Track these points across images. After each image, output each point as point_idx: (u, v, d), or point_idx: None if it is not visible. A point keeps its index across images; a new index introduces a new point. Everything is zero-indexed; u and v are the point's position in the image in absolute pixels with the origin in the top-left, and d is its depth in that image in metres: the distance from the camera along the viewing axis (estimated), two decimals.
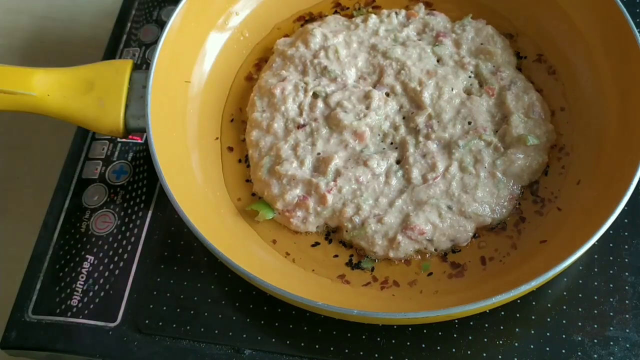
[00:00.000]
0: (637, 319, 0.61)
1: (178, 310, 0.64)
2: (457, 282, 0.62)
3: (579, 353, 0.60)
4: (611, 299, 0.62)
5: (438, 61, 0.72)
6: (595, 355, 0.60)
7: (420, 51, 0.72)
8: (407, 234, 0.63)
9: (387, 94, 0.70)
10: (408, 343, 0.61)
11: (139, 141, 0.75)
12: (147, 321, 0.64)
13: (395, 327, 0.62)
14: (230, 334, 0.63)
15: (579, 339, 0.61)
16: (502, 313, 0.62)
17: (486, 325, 0.62)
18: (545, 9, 0.73)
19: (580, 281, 0.63)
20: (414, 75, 0.70)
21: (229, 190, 0.69)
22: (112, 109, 0.67)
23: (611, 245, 0.65)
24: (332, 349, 0.62)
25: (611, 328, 0.61)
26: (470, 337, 0.61)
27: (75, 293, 0.66)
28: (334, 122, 0.68)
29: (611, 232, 0.65)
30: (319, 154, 0.67)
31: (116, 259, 0.68)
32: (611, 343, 0.60)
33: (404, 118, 0.69)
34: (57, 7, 0.97)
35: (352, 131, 0.67)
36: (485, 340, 0.61)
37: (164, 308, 0.65)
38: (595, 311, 0.62)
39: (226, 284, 0.65)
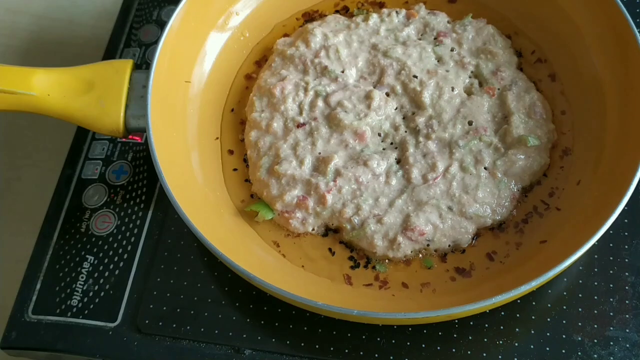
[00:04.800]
0: (637, 319, 0.61)
1: (178, 310, 0.64)
2: (457, 283, 0.62)
3: (579, 353, 0.60)
4: (611, 299, 0.62)
5: (438, 61, 0.72)
6: (595, 355, 0.60)
7: (421, 51, 0.72)
8: (407, 234, 0.63)
9: (387, 94, 0.70)
10: (408, 343, 0.61)
11: (139, 141, 0.75)
12: (147, 321, 0.64)
13: (395, 327, 0.62)
14: (230, 334, 0.63)
15: (579, 339, 0.61)
16: (502, 313, 0.62)
17: (486, 325, 0.62)
18: (546, 9, 0.73)
19: (580, 281, 0.63)
20: (415, 75, 0.70)
21: (229, 190, 0.69)
22: (112, 109, 0.67)
23: (611, 245, 0.65)
24: (332, 349, 0.62)
25: (611, 328, 0.61)
26: (470, 337, 0.61)
27: (75, 293, 0.66)
28: (334, 121, 0.68)
29: (611, 232, 0.65)
30: (319, 153, 0.67)
31: (116, 259, 0.68)
32: (611, 343, 0.60)
33: (404, 118, 0.69)
34: (57, 7, 0.97)
35: (353, 131, 0.67)
36: (485, 340, 0.61)
37: (164, 308, 0.65)
38: (595, 311, 0.62)
39: (226, 284, 0.65)
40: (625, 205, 0.57)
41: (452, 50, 0.72)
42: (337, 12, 0.80)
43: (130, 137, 0.74)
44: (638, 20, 0.76)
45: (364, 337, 0.62)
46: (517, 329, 0.62)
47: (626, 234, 0.65)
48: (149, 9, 0.85)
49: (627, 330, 0.61)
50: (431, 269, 0.63)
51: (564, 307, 0.62)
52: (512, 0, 0.76)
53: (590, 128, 0.67)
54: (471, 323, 0.62)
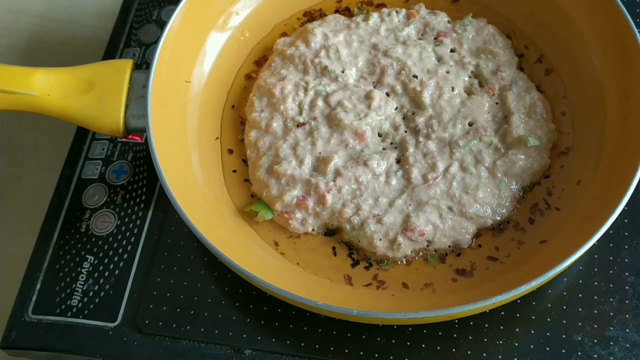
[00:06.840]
0: (637, 319, 0.61)
1: (178, 310, 0.64)
2: (457, 283, 0.62)
3: (579, 353, 0.60)
4: (611, 299, 0.62)
5: (438, 61, 0.72)
6: (595, 355, 0.60)
7: (421, 50, 0.72)
8: (407, 235, 0.63)
9: (388, 94, 0.70)
10: (408, 343, 0.62)
11: (139, 141, 0.75)
12: (147, 321, 0.64)
13: (395, 327, 0.62)
14: (230, 334, 0.63)
15: (579, 339, 0.61)
16: (502, 313, 0.62)
17: (486, 325, 0.62)
18: (546, 9, 0.73)
19: (580, 281, 0.63)
20: (415, 74, 0.70)
21: (229, 190, 0.69)
22: (112, 109, 0.67)
23: (611, 245, 0.65)
24: (332, 349, 0.62)
25: (611, 328, 0.61)
26: (470, 337, 0.61)
27: (75, 293, 0.66)
28: (334, 121, 0.68)
29: (611, 232, 0.65)
30: (319, 153, 0.67)
31: (116, 259, 0.68)
32: (611, 343, 0.60)
33: (404, 118, 0.69)
34: (57, 7, 0.97)
35: (353, 131, 0.67)
36: (485, 340, 0.61)
37: (164, 308, 0.65)
38: (595, 311, 0.62)
39: (226, 284, 0.65)
40: (625, 205, 0.57)
41: (452, 50, 0.72)
42: (337, 12, 0.80)
43: (130, 137, 0.74)
44: (638, 20, 0.76)
45: (364, 337, 0.62)
46: (517, 329, 0.62)
47: (626, 234, 0.65)
48: (149, 9, 0.85)
49: (627, 330, 0.61)
50: (431, 269, 0.63)
51: (564, 307, 0.62)
52: (512, 0, 0.76)
53: (590, 128, 0.67)
54: (471, 323, 0.62)
